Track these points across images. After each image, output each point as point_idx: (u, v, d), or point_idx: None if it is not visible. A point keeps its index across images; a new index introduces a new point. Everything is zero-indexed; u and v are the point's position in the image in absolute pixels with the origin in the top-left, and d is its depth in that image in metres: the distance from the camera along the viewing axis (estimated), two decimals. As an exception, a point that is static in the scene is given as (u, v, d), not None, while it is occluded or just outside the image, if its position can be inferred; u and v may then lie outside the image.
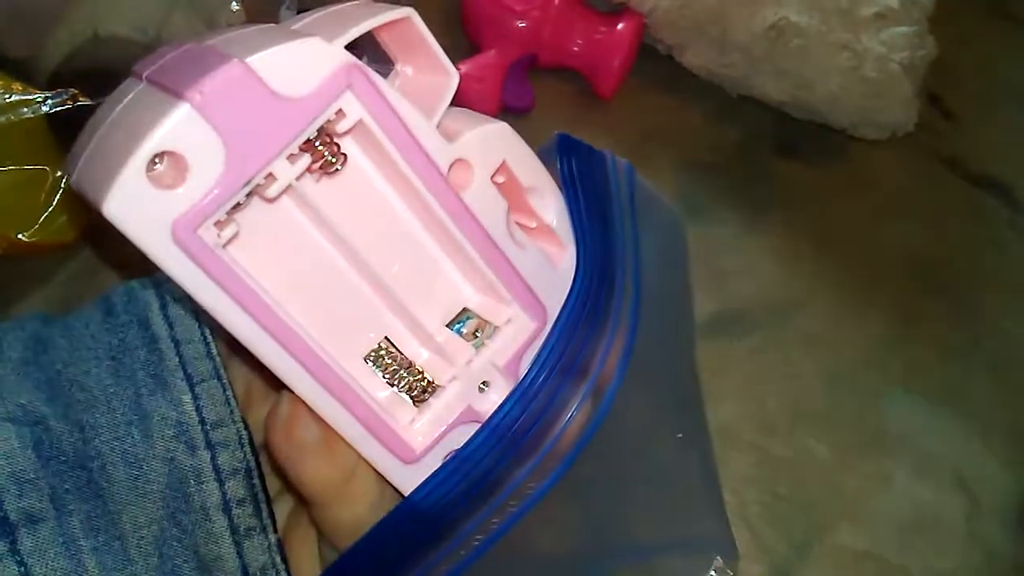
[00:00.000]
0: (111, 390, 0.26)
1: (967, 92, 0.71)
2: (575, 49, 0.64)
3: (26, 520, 0.24)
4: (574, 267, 0.29)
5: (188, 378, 0.27)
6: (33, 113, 0.46)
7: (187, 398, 0.26)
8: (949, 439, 0.55)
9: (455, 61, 0.27)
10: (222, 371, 0.27)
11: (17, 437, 0.24)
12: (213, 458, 0.26)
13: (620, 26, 0.63)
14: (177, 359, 0.27)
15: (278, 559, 0.27)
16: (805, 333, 0.57)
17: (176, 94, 0.21)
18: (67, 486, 0.25)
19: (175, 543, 0.25)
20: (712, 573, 0.32)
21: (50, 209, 0.50)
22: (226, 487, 0.26)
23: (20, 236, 0.49)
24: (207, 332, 0.27)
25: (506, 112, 0.63)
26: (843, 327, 0.58)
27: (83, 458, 0.25)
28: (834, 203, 0.64)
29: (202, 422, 0.26)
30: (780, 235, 0.61)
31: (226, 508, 0.26)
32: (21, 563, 0.24)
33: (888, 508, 0.52)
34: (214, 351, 0.27)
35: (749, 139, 0.66)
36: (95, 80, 0.48)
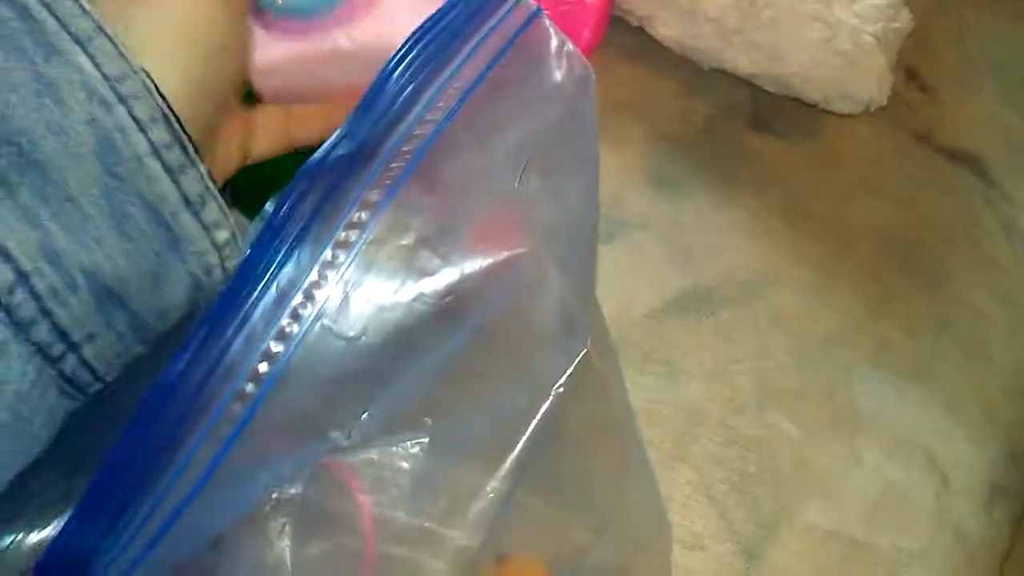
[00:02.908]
0: (7, 70, 0.26)
1: (944, 66, 0.70)
2: None
3: None
4: None
5: (75, 39, 0.26)
6: None
7: (83, 59, 0.26)
8: (919, 417, 0.55)
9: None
10: (104, 25, 0.27)
11: None
12: (129, 111, 0.27)
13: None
14: (56, 22, 0.26)
15: (211, 185, 0.28)
16: (775, 310, 0.57)
17: None
18: (3, 163, 0.25)
19: (119, 192, 0.26)
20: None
21: None
22: (150, 135, 0.27)
23: None
24: None
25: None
26: (814, 304, 0.57)
27: (8, 138, 0.25)
28: (806, 177, 0.63)
29: (105, 78, 0.26)
30: (751, 210, 0.60)
31: (156, 153, 0.27)
32: None
33: (857, 487, 0.51)
34: (86, 6, 0.27)
35: (720, 112, 0.64)
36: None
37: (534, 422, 0.31)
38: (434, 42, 0.31)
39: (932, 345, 0.57)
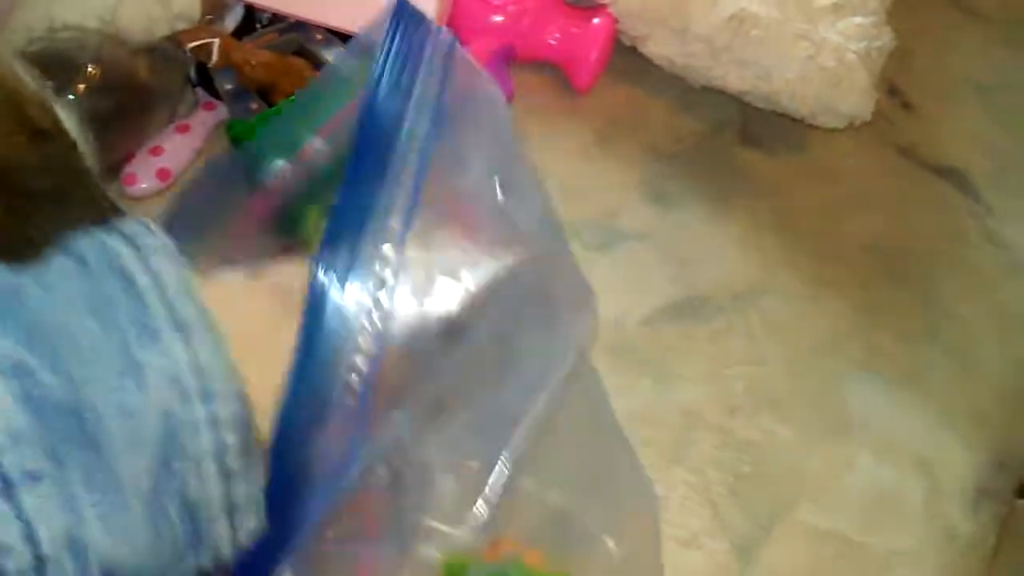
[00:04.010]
0: (99, 340, 0.25)
1: (926, 83, 0.73)
2: (552, 43, 0.66)
3: (26, 478, 0.23)
4: None
5: (179, 328, 0.26)
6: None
7: (179, 348, 0.26)
8: (909, 421, 0.56)
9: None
10: (210, 319, 0.27)
11: (7, 391, 0.24)
12: (209, 409, 0.26)
13: (596, 21, 0.65)
14: (164, 310, 0.26)
15: (259, 490, 0.27)
16: (767, 318, 0.58)
17: None
18: (62, 439, 0.24)
19: (166, 488, 0.26)
20: None
21: None
22: (221, 436, 0.26)
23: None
24: (192, 281, 0.27)
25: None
26: (805, 312, 0.59)
27: (76, 410, 0.25)
28: (795, 191, 0.65)
29: (196, 371, 0.26)
30: (742, 222, 0.62)
31: (218, 456, 0.26)
32: (25, 521, 0.23)
33: (849, 488, 0.53)
34: (201, 300, 0.27)
35: (712, 129, 0.67)
36: (53, 65, 0.48)
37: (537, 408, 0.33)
38: (395, 75, 0.34)
39: (921, 352, 0.59)
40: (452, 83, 0.35)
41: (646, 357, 0.55)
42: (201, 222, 0.37)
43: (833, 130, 0.64)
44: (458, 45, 0.37)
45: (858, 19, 0.59)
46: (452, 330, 0.32)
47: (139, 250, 0.27)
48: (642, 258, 0.59)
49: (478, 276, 0.33)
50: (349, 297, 0.29)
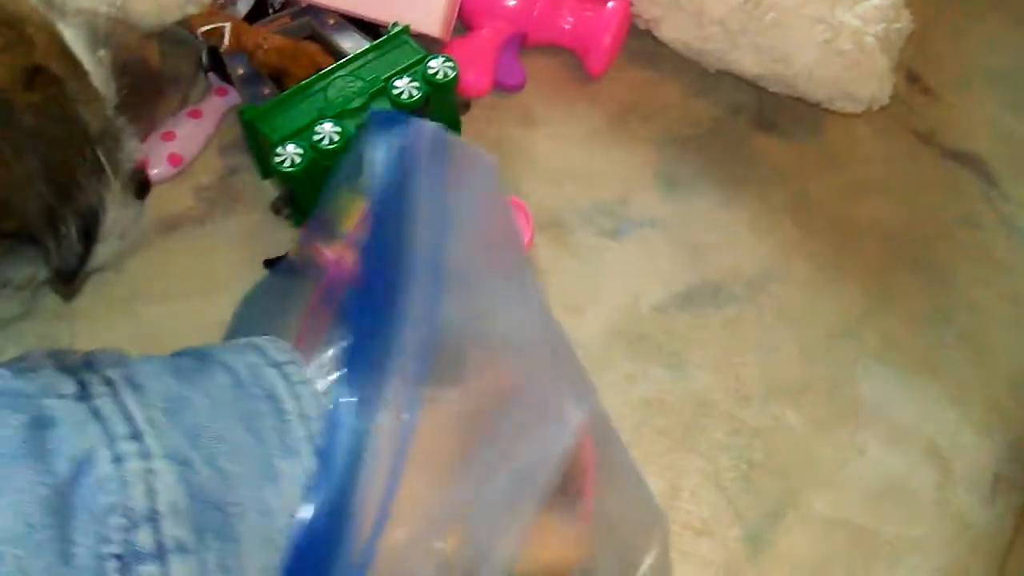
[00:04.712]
0: (248, 447, 0.30)
1: (944, 68, 0.72)
2: (565, 27, 0.65)
3: (177, 548, 0.27)
4: None
5: (315, 448, 0.31)
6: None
7: (313, 464, 0.31)
8: (922, 409, 0.56)
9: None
10: None
11: (171, 472, 0.28)
12: None
13: (610, 4, 0.64)
14: (304, 432, 0.31)
15: None
16: (781, 305, 0.58)
17: None
18: (206, 524, 0.28)
19: None
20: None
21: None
22: None
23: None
24: (327, 409, 0.32)
25: (499, 89, 0.63)
26: (818, 299, 0.59)
27: (222, 502, 0.29)
28: (810, 176, 0.64)
29: None
30: (757, 208, 0.62)
31: None
32: None
33: (861, 476, 0.53)
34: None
35: (727, 113, 0.66)
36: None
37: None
38: (394, 184, 0.35)
39: (935, 339, 0.58)
40: (451, 172, 0.36)
41: (658, 344, 0.55)
42: (271, 318, 0.38)
43: (850, 115, 0.64)
44: (444, 131, 0.37)
45: (876, 2, 0.59)
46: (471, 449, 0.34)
47: (287, 379, 0.32)
48: (655, 244, 0.59)
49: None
50: (371, 430, 0.31)
